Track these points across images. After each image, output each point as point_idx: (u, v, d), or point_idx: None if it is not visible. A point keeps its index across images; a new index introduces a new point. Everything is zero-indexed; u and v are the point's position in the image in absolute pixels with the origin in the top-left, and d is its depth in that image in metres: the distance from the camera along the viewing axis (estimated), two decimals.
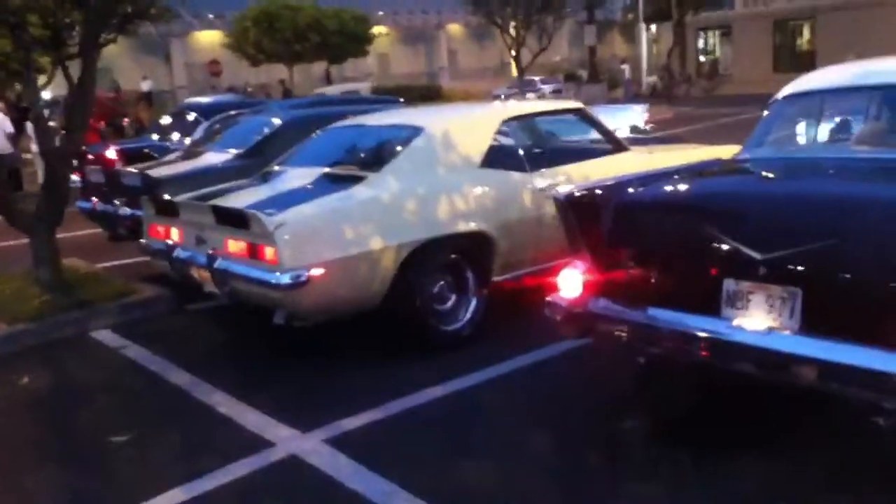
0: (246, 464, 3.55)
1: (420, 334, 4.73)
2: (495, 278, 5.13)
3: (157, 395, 4.52)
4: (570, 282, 3.64)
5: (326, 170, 5.22)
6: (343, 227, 4.44)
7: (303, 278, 4.19)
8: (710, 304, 3.15)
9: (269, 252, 4.26)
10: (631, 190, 3.72)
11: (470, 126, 5.46)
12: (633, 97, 33.04)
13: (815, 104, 4.32)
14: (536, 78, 36.76)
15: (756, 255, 2.99)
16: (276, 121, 7.21)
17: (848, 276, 2.87)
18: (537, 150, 5.71)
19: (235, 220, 4.46)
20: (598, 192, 3.71)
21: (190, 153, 7.44)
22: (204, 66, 38.38)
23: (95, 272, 6.81)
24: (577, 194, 3.68)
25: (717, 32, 37.90)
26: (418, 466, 3.43)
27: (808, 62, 32.42)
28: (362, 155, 5.37)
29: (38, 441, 4.13)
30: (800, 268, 2.93)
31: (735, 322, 3.08)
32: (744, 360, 3.08)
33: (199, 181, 5.83)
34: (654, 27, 39.31)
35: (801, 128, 4.46)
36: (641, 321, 3.38)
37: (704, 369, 3.41)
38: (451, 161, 5.09)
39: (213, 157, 6.92)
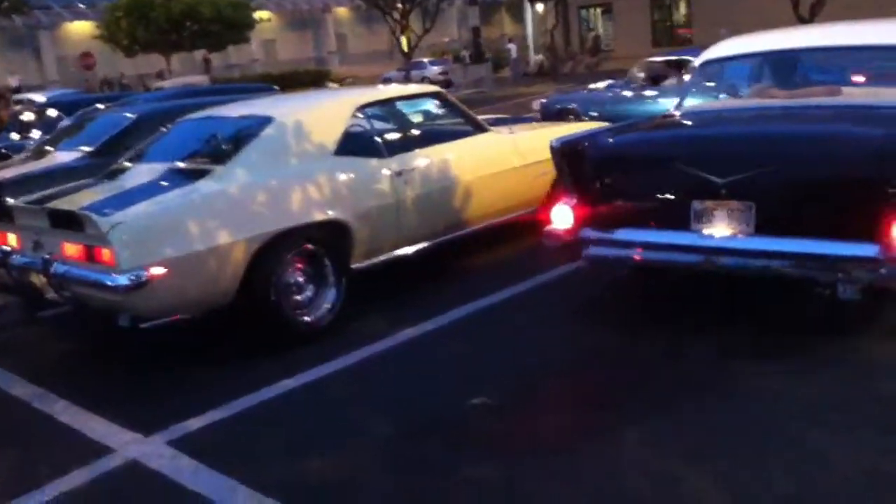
0: (84, 472, 3.42)
1: (276, 328, 4.66)
2: (355, 265, 5.11)
3: None
4: (564, 215, 4.48)
5: (173, 165, 5.07)
6: (185, 224, 4.31)
7: (142, 279, 4.05)
8: (684, 221, 4.10)
9: (105, 254, 4.10)
10: (610, 137, 4.69)
11: (323, 114, 5.40)
12: (522, 76, 33.46)
13: (724, 68, 5.48)
14: (425, 60, 36.75)
15: (718, 180, 3.95)
16: (130, 115, 6.96)
17: (787, 190, 3.92)
18: (395, 136, 5.70)
19: (70, 222, 4.28)
20: (585, 139, 4.64)
21: (39, 152, 7.10)
22: (76, 58, 36.72)
23: None
24: (567, 142, 4.58)
25: (598, 10, 38.76)
26: (261, 462, 3.39)
27: (684, 37, 33.68)
28: (210, 148, 5.24)
29: None
30: (752, 187, 3.90)
31: (705, 232, 4.04)
32: (716, 259, 4.01)
33: (42, 183, 5.54)
34: (539, 6, 39.88)
35: (716, 87, 5.62)
36: (631, 240, 4.32)
37: (681, 270, 4.48)
38: (304, 150, 5.02)
39: (61, 157, 6.62)
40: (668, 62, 10.82)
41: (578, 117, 9.96)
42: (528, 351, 4.36)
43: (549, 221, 4.56)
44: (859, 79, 5.07)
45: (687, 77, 5.62)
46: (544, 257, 5.91)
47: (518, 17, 51.40)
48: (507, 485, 3.07)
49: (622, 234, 4.35)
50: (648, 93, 10.31)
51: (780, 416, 3.36)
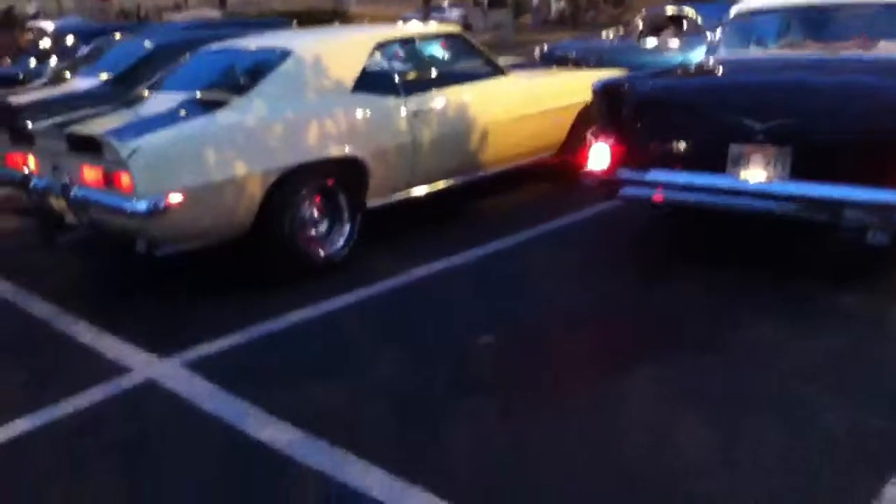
0: (100, 390, 3.53)
1: (291, 260, 4.73)
2: (370, 203, 5.15)
3: (15, 327, 4.41)
4: (602, 155, 4.66)
5: (192, 94, 5.08)
6: (203, 153, 4.34)
7: (160, 205, 4.10)
8: (720, 164, 4.24)
9: (124, 179, 4.14)
10: (651, 81, 4.94)
11: (341, 50, 5.37)
12: (542, 23, 32.94)
13: (756, 20, 5.53)
14: (444, 3, 36.12)
15: (756, 125, 4.09)
16: (149, 44, 6.94)
17: (823, 137, 4.01)
18: (413, 75, 5.67)
19: (90, 147, 4.32)
20: (626, 82, 4.83)
21: (57, 78, 7.11)
22: None
23: None
24: (608, 84, 4.80)
25: None
26: (273, 387, 3.48)
27: None
28: (229, 79, 5.23)
29: None
30: (790, 133, 4.05)
31: (741, 175, 4.19)
32: (751, 201, 4.17)
33: (62, 108, 5.57)
34: None
35: (750, 38, 5.58)
36: (667, 181, 4.45)
37: (715, 212, 4.53)
38: (322, 85, 5.02)
39: (80, 83, 6.63)
40: (669, 16, 10.70)
41: (578, 65, 9.88)
42: (537, 293, 4.42)
43: (584, 162, 4.77)
44: (885, 34, 5.05)
45: (720, 29, 5.60)
46: (561, 202, 5.97)
47: None
48: (500, 419, 3.15)
49: (659, 175, 4.49)
50: (648, 44, 10.28)
51: (778, 370, 3.41)
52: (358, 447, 2.94)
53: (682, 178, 4.43)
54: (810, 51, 5.09)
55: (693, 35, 9.70)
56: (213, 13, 26.36)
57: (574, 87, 6.54)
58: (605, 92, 4.77)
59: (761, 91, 4.45)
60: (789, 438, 2.88)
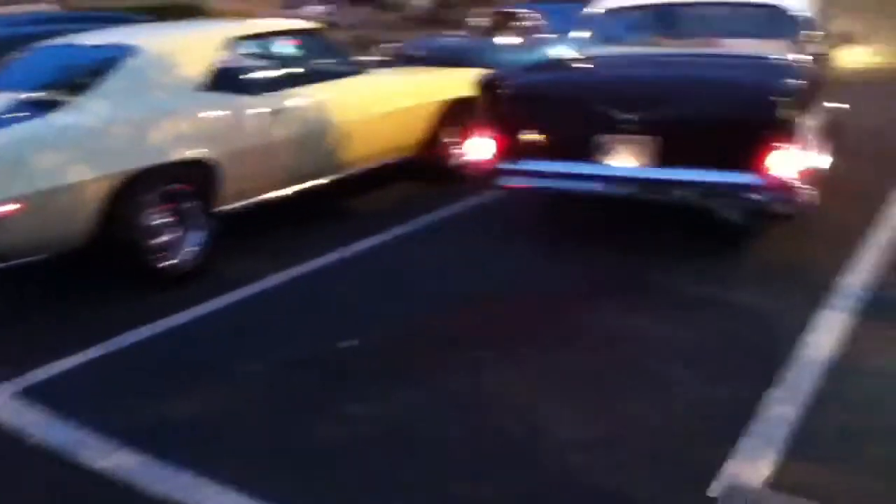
0: None
1: (136, 271, 4.46)
2: (223, 207, 4.93)
3: None
4: (483, 146, 4.93)
5: (27, 94, 4.71)
6: (39, 158, 4.03)
7: None
8: (589, 153, 4.60)
9: None
10: (525, 76, 5.28)
11: (190, 46, 5.12)
12: (409, 20, 32.91)
13: (624, 17, 5.90)
14: None
15: (623, 116, 4.46)
16: None
17: (682, 127, 4.38)
18: (269, 72, 5.47)
19: None
20: (503, 76, 5.14)
21: None
22: None
23: None
24: (489, 78, 5.08)
25: None
26: (116, 410, 3.24)
27: None
28: (68, 77, 4.88)
29: None
30: (653, 123, 4.43)
31: (607, 162, 4.57)
32: (624, 187, 4.54)
33: None
34: None
35: (614, 33, 5.90)
36: (545, 170, 4.78)
37: (587, 198, 4.88)
38: (168, 83, 4.76)
39: None
40: (504, 13, 11.18)
41: (427, 64, 9.98)
42: (396, 293, 4.37)
43: (467, 153, 5.11)
44: (727, 31, 5.56)
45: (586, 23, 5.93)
46: (419, 201, 5.94)
47: None
48: (372, 419, 3.10)
49: (533, 165, 4.80)
50: (486, 42, 10.63)
51: (648, 353, 3.54)
52: (208, 469, 2.78)
53: (554, 167, 4.74)
54: (668, 48, 5.50)
55: (536, 35, 10.14)
56: (48, 7, 24.85)
57: (433, 86, 6.53)
58: (485, 86, 5.03)
59: (630, 85, 4.82)
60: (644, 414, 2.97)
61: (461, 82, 6.81)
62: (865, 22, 9.08)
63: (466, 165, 5.06)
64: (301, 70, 5.67)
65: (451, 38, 11.83)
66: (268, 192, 5.22)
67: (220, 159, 4.76)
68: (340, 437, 3.01)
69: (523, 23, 10.64)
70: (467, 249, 5.07)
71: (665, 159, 4.42)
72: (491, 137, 4.91)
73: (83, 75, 4.80)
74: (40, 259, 4.17)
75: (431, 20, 31.31)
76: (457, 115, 6.56)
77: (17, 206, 3.87)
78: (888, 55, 11.70)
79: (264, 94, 5.17)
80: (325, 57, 5.99)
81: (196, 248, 4.68)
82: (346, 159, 5.70)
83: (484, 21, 11.59)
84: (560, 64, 5.65)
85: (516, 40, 10.35)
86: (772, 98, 4.18)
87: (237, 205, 5.00)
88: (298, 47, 5.97)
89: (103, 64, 4.75)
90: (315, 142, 5.44)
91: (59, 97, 4.53)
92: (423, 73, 6.95)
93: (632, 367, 3.44)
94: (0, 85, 5.03)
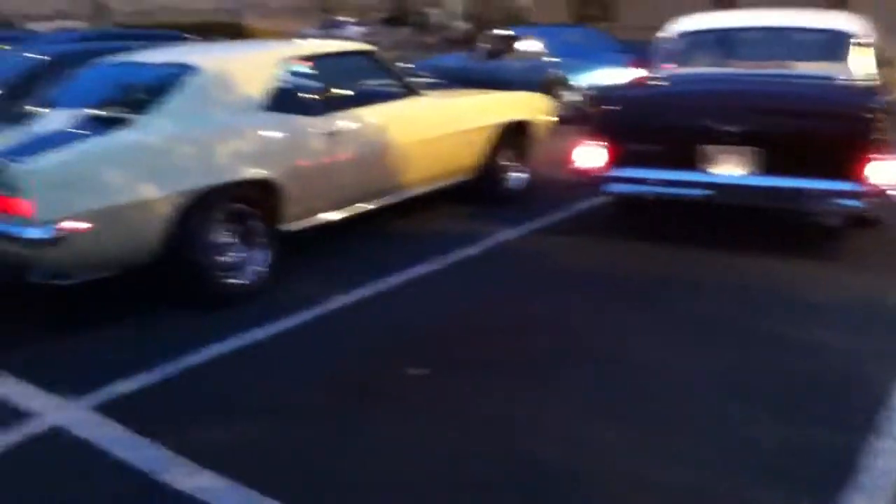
0: (2, 438, 3.19)
1: (202, 289, 4.46)
2: (285, 227, 4.94)
3: None
4: (591, 155, 5.30)
5: (91, 111, 4.76)
6: (105, 175, 4.05)
7: (60, 232, 3.80)
8: (692, 162, 5.02)
9: (19, 204, 3.81)
10: (632, 90, 5.81)
11: (251, 65, 5.15)
12: (445, 41, 33.10)
13: (701, 40, 6.22)
14: (350, 20, 35.90)
15: (733, 128, 4.86)
16: (39, 56, 6.51)
17: (784, 139, 4.83)
18: (326, 93, 5.49)
19: None
20: (614, 90, 5.80)
21: None
22: None
23: None
24: (600, 91, 5.92)
25: None
26: (189, 428, 3.24)
27: (603, 8, 33.95)
28: (131, 95, 4.92)
29: None
30: (755, 135, 4.85)
31: (711, 171, 5.00)
32: (728, 194, 5.00)
33: None
34: None
35: (688, 55, 6.20)
36: (651, 178, 5.17)
37: (697, 204, 5.20)
38: (229, 103, 4.79)
39: None
40: (506, 37, 12.07)
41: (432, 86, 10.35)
42: (458, 318, 4.32)
43: (576, 160, 5.42)
44: (793, 54, 5.78)
45: (662, 46, 6.27)
46: (477, 225, 5.92)
47: None
48: (420, 444, 3.07)
49: (640, 172, 5.18)
50: (487, 64, 11.53)
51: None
52: (283, 493, 2.75)
53: (660, 174, 5.13)
54: (744, 69, 5.75)
55: (537, 56, 11.26)
56: (73, 23, 25.38)
57: (489, 109, 6.53)
58: (595, 99, 5.67)
59: (727, 100, 5.14)
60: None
61: (518, 105, 6.84)
62: None
63: (575, 172, 5.37)
64: (357, 91, 5.68)
65: (452, 59, 12.78)
66: (329, 212, 5.23)
67: (282, 179, 4.77)
68: (412, 468, 2.97)
69: (524, 45, 11.58)
70: (526, 275, 5.03)
71: (768, 168, 4.83)
72: (599, 147, 5.27)
73: (145, 93, 4.84)
74: (108, 275, 4.19)
75: (469, 41, 31.53)
76: (513, 138, 6.57)
77: (85, 223, 3.90)
78: None
79: (322, 114, 5.18)
80: (381, 78, 6.00)
81: (260, 268, 4.69)
82: (402, 181, 5.70)
83: (487, 45, 12.41)
84: (655, 81, 5.92)
85: (518, 62, 11.26)
86: (869, 114, 4.68)
87: (299, 225, 5.01)
88: (354, 68, 5.99)
89: (165, 82, 4.78)
90: (372, 163, 5.45)
91: (122, 114, 4.57)
92: (479, 96, 6.94)
93: (710, 412, 3.32)
94: (61, 101, 5.11)
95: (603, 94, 5.66)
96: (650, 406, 3.32)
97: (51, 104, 5.12)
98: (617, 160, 5.24)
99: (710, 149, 4.96)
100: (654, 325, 4.13)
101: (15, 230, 3.83)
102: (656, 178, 5.15)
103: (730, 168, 4.94)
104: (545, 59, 11.38)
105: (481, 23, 32.75)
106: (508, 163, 6.61)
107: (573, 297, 4.57)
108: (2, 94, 6.07)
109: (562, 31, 12.97)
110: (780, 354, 3.74)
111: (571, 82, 10.97)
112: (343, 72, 5.87)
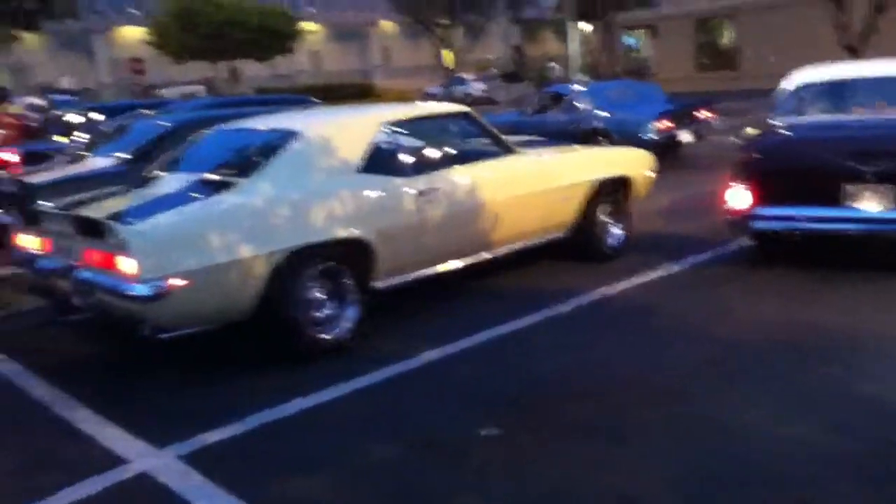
0: (92, 483, 3.43)
1: (295, 344, 4.66)
2: (376, 285, 5.10)
3: (16, 410, 4.36)
4: (741, 196, 5.77)
5: (200, 175, 5.11)
6: (207, 236, 4.33)
7: (163, 289, 4.09)
8: (837, 199, 5.46)
9: (126, 262, 4.13)
10: (774, 137, 6.30)
11: (348, 130, 5.41)
12: None
13: (819, 90, 6.76)
14: (470, 76, 36.81)
15: (873, 168, 5.31)
16: (165, 123, 7.05)
17: None
18: (420, 154, 5.67)
19: (94, 230, 4.33)
20: (760, 137, 6.43)
21: (76, 157, 7.22)
22: (127, 62, 37.41)
23: None
24: (748, 138, 6.51)
25: (644, 31, 38.49)
26: (271, 481, 3.38)
27: (730, 61, 33.29)
28: (237, 160, 5.27)
29: None
30: (892, 173, 5.30)
31: (856, 206, 5.42)
32: (869, 227, 5.45)
33: (76, 187, 5.63)
34: (585, 26, 39.75)
35: (814, 104, 6.73)
36: (796, 215, 5.61)
37: (838, 236, 5.67)
38: (328, 165, 5.03)
39: (98, 162, 6.73)
40: (552, 95, 13.37)
41: None
42: (546, 378, 4.30)
43: (727, 201, 5.86)
44: None
45: (781, 98, 6.83)
46: (572, 282, 5.89)
47: (562, 37, 51.36)
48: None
49: (786, 210, 5.62)
50: (534, 118, 12.68)
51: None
52: None
53: (805, 211, 5.56)
54: (866, 115, 6.24)
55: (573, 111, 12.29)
56: (193, 88, 27.29)
57: (586, 166, 6.53)
58: (743, 144, 6.22)
59: (865, 143, 5.58)
60: None
61: (618, 161, 6.80)
62: None
63: (726, 212, 5.84)
64: (450, 151, 5.81)
65: (505, 115, 14.09)
66: (420, 269, 5.35)
67: (374, 238, 4.94)
68: None
69: (570, 101, 12.55)
70: (622, 334, 4.96)
71: None
72: (747, 188, 5.72)
73: (250, 157, 5.17)
74: (208, 328, 4.45)
75: None
76: (612, 194, 6.53)
77: (185, 281, 4.18)
78: None
79: (415, 175, 5.34)
80: (475, 137, 6.13)
81: (350, 324, 4.85)
82: (495, 238, 5.77)
83: (534, 100, 14.08)
84: (785, 129, 6.37)
85: (562, 115, 12.32)
86: None
87: (390, 282, 5.16)
88: (448, 130, 6.16)
89: (268, 147, 5.10)
90: (463, 221, 5.54)
91: (227, 178, 4.88)
92: (577, 152, 6.97)
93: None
94: (179, 166, 5.50)
95: (748, 141, 6.30)
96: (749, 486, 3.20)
97: (167, 168, 5.53)
98: (764, 200, 5.65)
99: (850, 188, 5.38)
100: (756, 397, 3.96)
101: (123, 287, 4.14)
102: (800, 215, 5.56)
103: (870, 204, 5.35)
104: (588, 111, 12.19)
105: (598, 76, 32.80)
106: (607, 219, 6.57)
107: (664, 358, 4.47)
108: (131, 159, 6.61)
109: (608, 86, 14.85)
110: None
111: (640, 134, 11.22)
112: (438, 133, 6.05)
